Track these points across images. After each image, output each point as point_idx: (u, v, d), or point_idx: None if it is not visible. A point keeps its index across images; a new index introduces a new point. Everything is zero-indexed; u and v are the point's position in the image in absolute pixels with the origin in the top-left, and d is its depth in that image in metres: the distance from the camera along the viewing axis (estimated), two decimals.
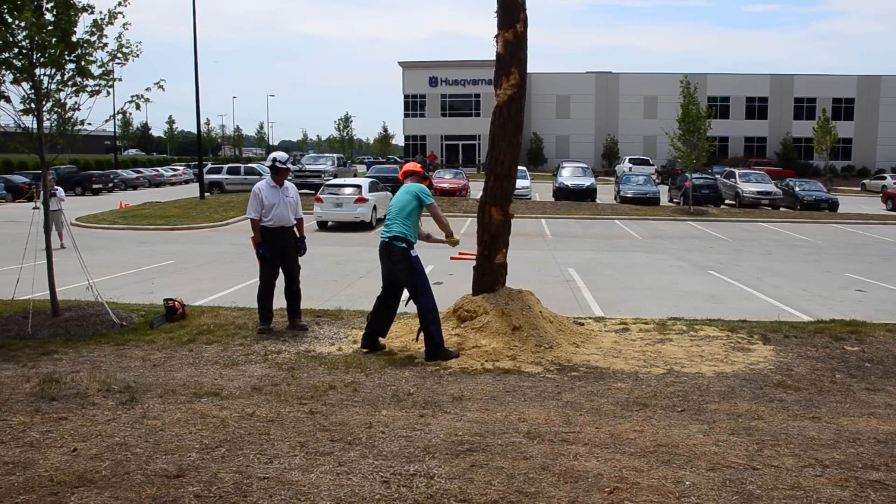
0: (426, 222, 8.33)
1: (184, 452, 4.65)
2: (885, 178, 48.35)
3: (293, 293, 8.89)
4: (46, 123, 8.80)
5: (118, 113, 9.89)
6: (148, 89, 9.41)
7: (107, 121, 10.15)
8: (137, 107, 9.34)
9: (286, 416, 5.51)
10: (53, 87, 8.67)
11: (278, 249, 8.69)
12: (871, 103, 67.73)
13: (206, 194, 33.79)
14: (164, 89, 9.69)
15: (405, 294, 7.84)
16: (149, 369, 6.93)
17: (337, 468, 4.41)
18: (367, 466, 4.45)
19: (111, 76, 9.18)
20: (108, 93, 9.35)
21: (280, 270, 8.82)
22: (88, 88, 8.84)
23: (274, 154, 8.99)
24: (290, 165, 9.10)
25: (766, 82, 68.99)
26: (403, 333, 8.40)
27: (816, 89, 67.76)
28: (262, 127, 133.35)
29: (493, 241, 8.46)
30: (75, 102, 8.84)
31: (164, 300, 9.45)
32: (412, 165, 8.44)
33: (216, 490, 4.06)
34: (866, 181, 52.56)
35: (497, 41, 8.37)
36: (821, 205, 32.56)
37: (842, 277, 14.73)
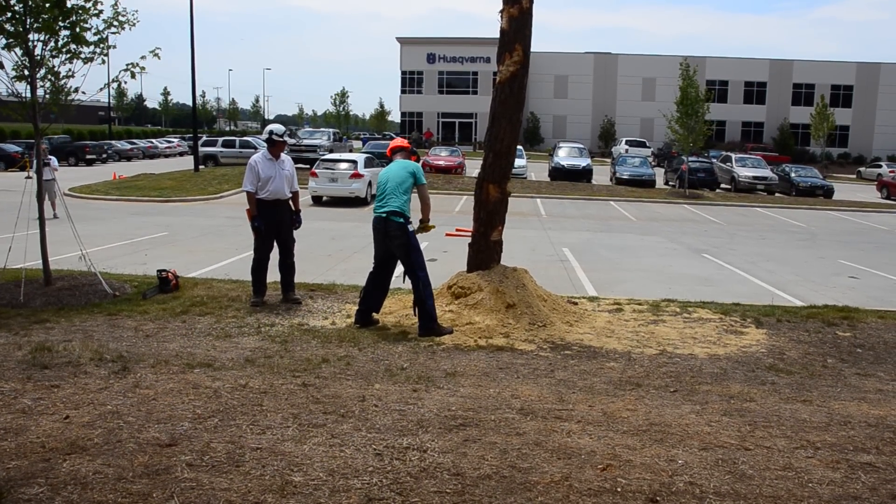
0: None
1: (176, 422, 4.65)
2: (880, 166, 48.37)
3: (287, 266, 8.86)
4: (40, 91, 8.69)
5: (113, 81, 9.77)
6: (143, 57, 9.28)
7: (101, 89, 10.01)
8: (132, 75, 9.21)
9: (279, 387, 5.50)
10: (47, 53, 8.55)
11: (273, 222, 8.64)
12: (870, 91, 67.55)
13: (201, 167, 33.58)
14: (159, 57, 9.56)
15: (401, 269, 7.81)
16: (141, 339, 6.90)
17: (330, 440, 4.42)
18: (360, 439, 4.46)
19: (106, 44, 9.04)
20: (103, 61, 9.23)
21: (275, 244, 8.78)
22: (83, 56, 8.71)
23: (270, 126, 8.91)
24: (286, 138, 9.02)
25: (766, 67, 68.71)
26: (397, 309, 8.39)
27: (815, 75, 67.53)
28: (257, 100, 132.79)
29: (489, 219, 8.42)
30: (69, 70, 8.72)
31: (158, 271, 9.40)
32: (400, 141, 8.42)
33: (209, 459, 4.06)
34: (862, 169, 52.57)
35: (501, 16, 8.26)
36: (816, 191, 32.58)
37: (835, 264, 14.77)
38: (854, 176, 52.35)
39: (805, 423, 5.14)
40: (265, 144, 8.90)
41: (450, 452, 4.28)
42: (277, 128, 8.88)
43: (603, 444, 4.52)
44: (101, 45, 8.95)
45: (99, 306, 8.24)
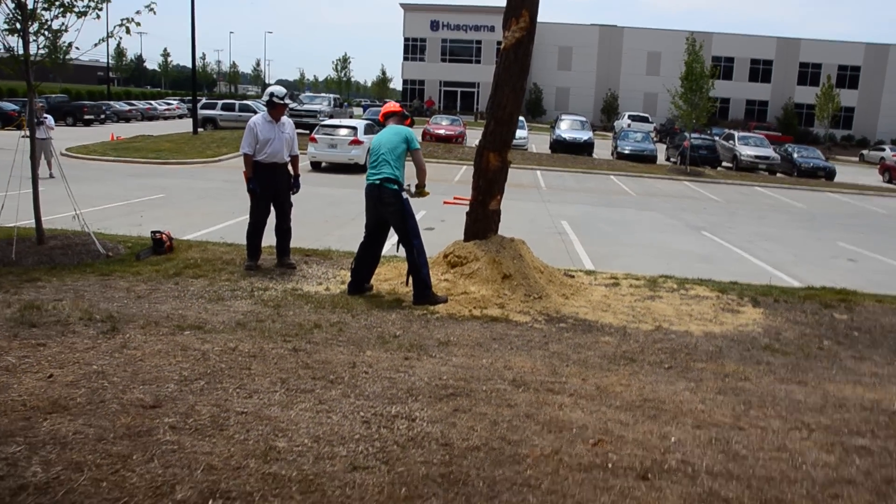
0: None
1: (162, 383, 4.58)
2: (883, 149, 48.05)
3: (283, 231, 8.75)
4: (32, 47, 8.50)
5: (108, 37, 9.57)
6: (138, 13, 9.09)
7: (96, 45, 9.79)
8: (128, 31, 9.03)
9: (269, 352, 5.43)
10: (40, 5, 8.35)
11: (270, 186, 8.52)
12: (878, 73, 66.95)
13: (200, 130, 33.31)
14: (154, 12, 9.37)
15: (395, 238, 7.71)
16: (132, 300, 6.82)
17: (317, 406, 4.35)
18: (349, 406, 4.39)
19: None
20: (98, 15, 9.03)
21: (271, 207, 8.67)
22: (76, 9, 8.51)
23: (271, 88, 8.75)
24: (287, 101, 8.86)
25: (773, 45, 68.03)
26: (392, 276, 8.31)
27: (823, 55, 66.88)
28: (258, 64, 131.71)
29: (488, 187, 8.30)
30: (62, 24, 8.53)
31: (152, 232, 9.31)
32: (392, 106, 8.23)
33: (192, 422, 3.99)
34: (865, 152, 52.28)
35: None
36: (818, 172, 32.38)
37: (834, 246, 14.69)
38: (857, 159, 52.09)
39: (800, 404, 5.08)
40: (264, 108, 8.74)
41: (439, 422, 4.21)
42: (278, 90, 8.71)
43: (595, 418, 4.45)
44: (96, 0, 8.76)
45: (91, 266, 8.15)
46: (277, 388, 4.64)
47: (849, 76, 66.74)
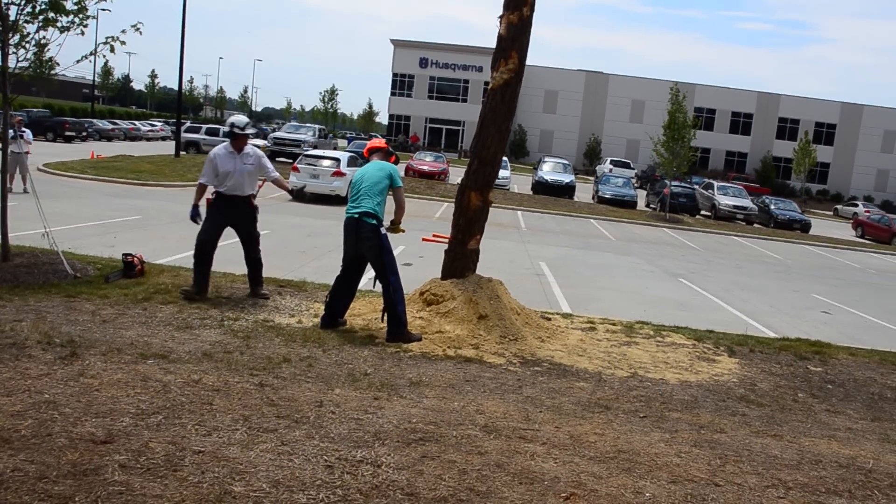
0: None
1: (117, 416, 4.35)
2: (857, 205, 48.92)
3: (253, 261, 8.54)
4: (12, 59, 8.34)
5: (91, 54, 9.45)
6: (124, 31, 8.99)
7: (78, 61, 9.63)
8: (112, 49, 8.93)
9: (234, 386, 5.24)
10: (22, 18, 8.21)
11: (228, 216, 8.31)
12: (852, 131, 68.38)
13: (182, 153, 33.10)
14: (141, 32, 9.27)
15: (372, 273, 7.57)
16: (97, 325, 6.60)
17: (279, 447, 4.15)
18: (312, 448, 4.20)
19: (86, 13, 8.73)
20: (83, 32, 8.92)
21: (220, 235, 8.38)
22: (60, 24, 8.39)
23: (232, 118, 8.55)
24: (249, 131, 8.59)
25: (753, 99, 69.33)
26: (367, 311, 8.15)
27: (801, 111, 68.24)
28: (246, 91, 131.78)
29: (468, 226, 8.22)
30: (43, 37, 8.39)
31: (123, 255, 9.09)
32: (378, 142, 8.17)
33: (144, 461, 3.77)
34: (839, 207, 53.16)
35: (500, 22, 8.06)
36: (794, 225, 32.80)
37: (809, 298, 14.75)
38: (831, 213, 52.89)
39: (776, 459, 4.97)
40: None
41: (405, 469, 4.04)
42: (239, 119, 8.50)
43: (568, 469, 4.30)
44: (81, 15, 8.65)
45: (57, 287, 7.90)
46: (239, 425, 4.44)
47: (825, 133, 68.06)
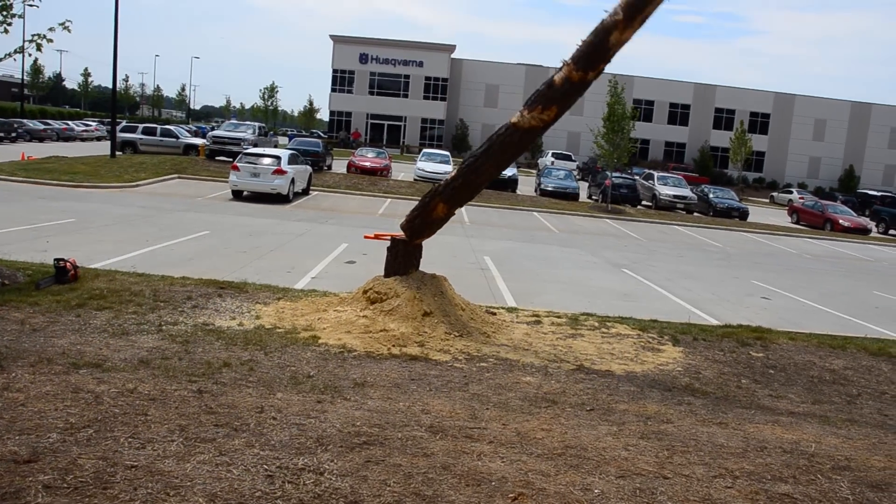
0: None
1: (43, 432, 4.13)
2: (791, 192, 50.34)
3: None
4: None
5: (16, 52, 9.06)
6: (51, 29, 8.68)
7: (1, 59, 9.25)
8: (38, 48, 8.61)
9: (171, 394, 5.04)
10: None
11: None
12: (785, 120, 70.33)
13: (118, 153, 32.10)
14: (70, 31, 8.96)
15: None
16: (26, 334, 6.30)
17: (217, 458, 3.99)
18: (252, 457, 4.05)
19: (10, 11, 8.36)
20: (6, 30, 8.54)
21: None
22: None
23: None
24: None
25: (690, 90, 70.71)
26: (309, 312, 7.99)
27: (736, 101, 69.87)
28: (183, 89, 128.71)
29: (422, 229, 8.14)
30: None
31: (55, 260, 8.74)
32: None
33: (72, 480, 3.57)
34: (775, 194, 54.60)
35: (561, 69, 7.34)
36: (732, 213, 33.54)
37: (749, 284, 15.06)
38: (767, 200, 54.30)
39: (722, 448, 5.01)
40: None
41: (349, 475, 3.92)
42: None
43: (515, 468, 4.24)
44: (5, 13, 8.28)
45: None
46: (175, 436, 4.26)
47: (759, 122, 69.86)
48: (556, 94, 7.38)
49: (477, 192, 8.22)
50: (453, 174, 8.11)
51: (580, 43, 7.21)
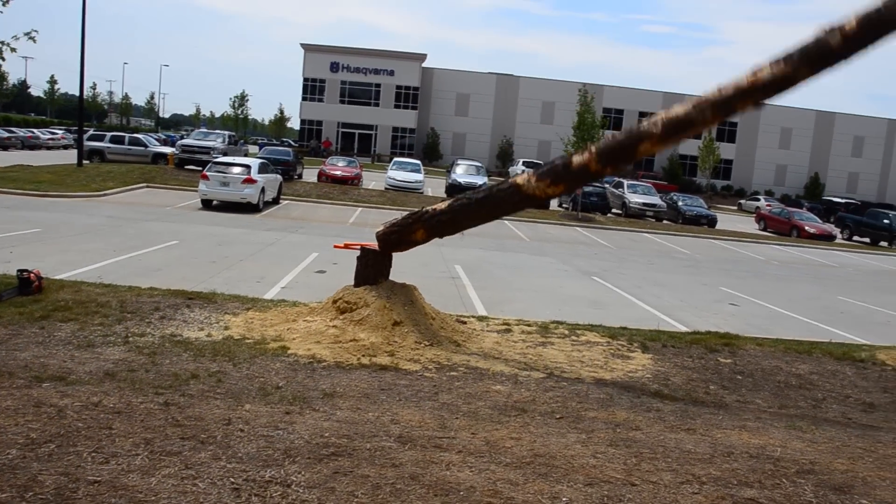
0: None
1: (2, 448, 4.04)
2: (759, 199, 51.20)
3: None
4: None
5: None
6: (16, 37, 8.55)
7: None
8: (0, 56, 8.46)
9: (137, 407, 4.97)
10: None
11: None
12: (752, 129, 71.46)
13: (85, 162, 31.64)
14: (35, 41, 8.84)
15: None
16: None
17: (183, 471, 3.94)
18: (218, 470, 4.00)
19: None
20: None
21: None
22: None
23: None
24: None
25: (659, 99, 71.45)
26: (279, 322, 7.93)
27: None
28: (152, 97, 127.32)
29: (396, 245, 8.14)
30: None
31: (18, 271, 8.59)
32: None
33: (31, 497, 3.50)
34: (742, 201, 55.47)
35: (585, 152, 7.15)
36: (701, 220, 33.96)
37: (717, 291, 15.24)
38: (735, 208, 55.11)
39: (690, 454, 5.05)
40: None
41: (316, 487, 3.89)
42: None
43: (484, 478, 4.24)
44: None
45: None
46: (140, 450, 4.20)
47: (727, 131, 70.87)
48: (568, 176, 7.22)
49: (459, 230, 8.20)
50: (443, 208, 7.90)
51: (609, 137, 7.25)
